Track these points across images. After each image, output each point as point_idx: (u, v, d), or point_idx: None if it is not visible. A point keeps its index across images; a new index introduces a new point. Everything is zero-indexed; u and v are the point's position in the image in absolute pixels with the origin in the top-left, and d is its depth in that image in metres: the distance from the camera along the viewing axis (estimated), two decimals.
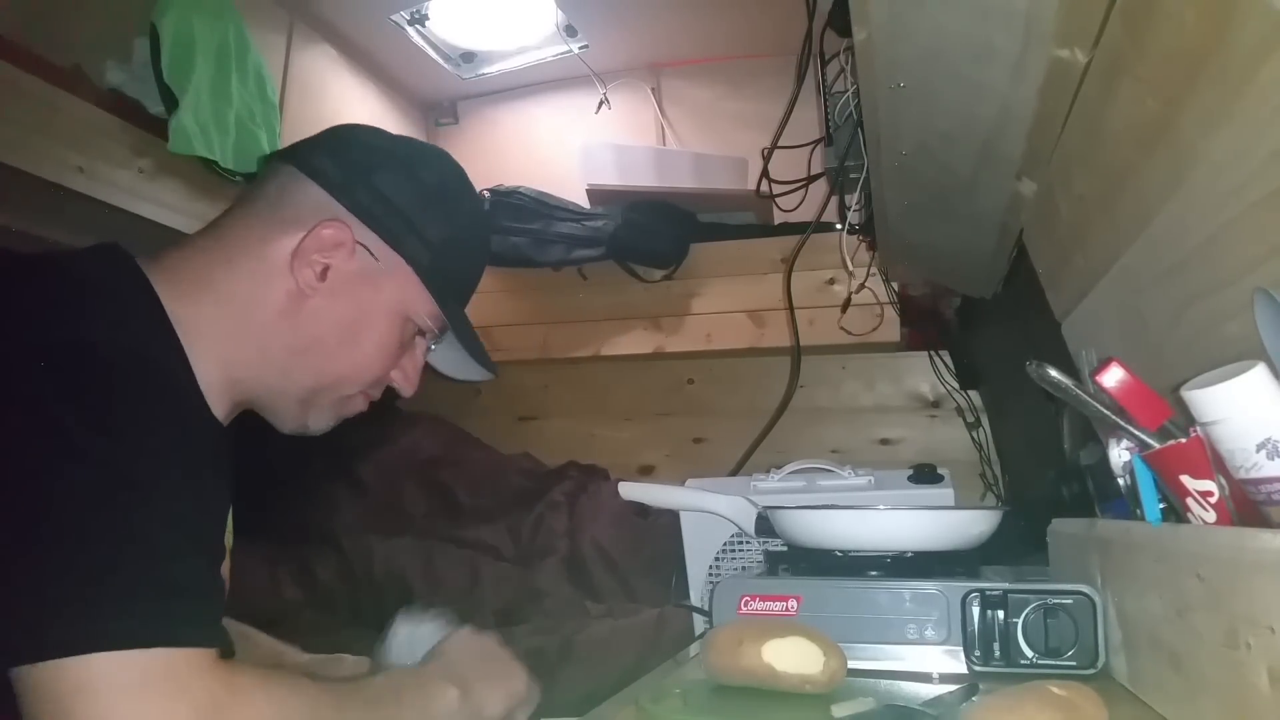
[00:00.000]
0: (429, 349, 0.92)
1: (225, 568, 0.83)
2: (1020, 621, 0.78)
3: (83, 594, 0.54)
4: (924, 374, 2.11)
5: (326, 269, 0.80)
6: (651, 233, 2.09)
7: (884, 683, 0.78)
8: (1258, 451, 0.52)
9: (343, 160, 0.85)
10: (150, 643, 0.54)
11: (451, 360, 0.94)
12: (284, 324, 0.80)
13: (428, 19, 2.19)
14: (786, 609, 0.85)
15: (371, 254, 0.82)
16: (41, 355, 0.62)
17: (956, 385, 2.02)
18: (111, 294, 0.73)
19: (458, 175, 0.91)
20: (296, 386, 0.83)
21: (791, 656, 0.71)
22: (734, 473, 2.01)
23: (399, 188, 0.84)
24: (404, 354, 0.89)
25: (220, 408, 0.81)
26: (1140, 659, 0.69)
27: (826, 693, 0.70)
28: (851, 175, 1.53)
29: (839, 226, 1.81)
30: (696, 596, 1.36)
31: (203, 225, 0.84)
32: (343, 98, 2.32)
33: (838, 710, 0.66)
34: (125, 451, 0.60)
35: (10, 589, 0.55)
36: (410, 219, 0.83)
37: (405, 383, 0.90)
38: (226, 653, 0.61)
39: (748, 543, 1.35)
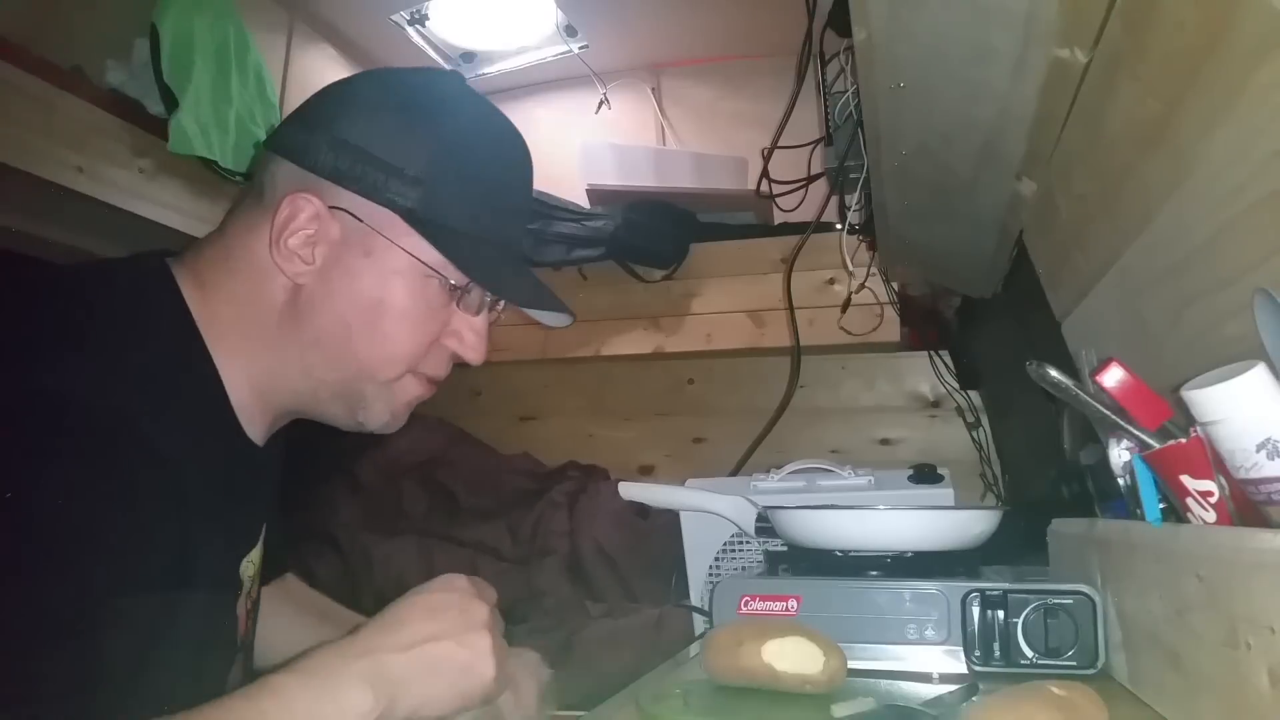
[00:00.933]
0: (489, 305, 0.78)
1: (242, 606, 0.78)
2: (1020, 621, 0.78)
3: None
4: (924, 374, 2.11)
5: (314, 250, 0.71)
6: (651, 232, 2.09)
7: (884, 683, 0.78)
8: (1258, 451, 0.52)
9: (303, 122, 0.74)
10: None
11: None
12: (289, 320, 0.72)
13: (427, 19, 2.19)
14: (786, 609, 0.85)
15: (354, 215, 0.71)
16: (12, 402, 0.57)
17: (956, 385, 2.02)
18: (129, 324, 0.67)
19: (442, 90, 0.76)
20: (324, 384, 0.75)
21: (791, 656, 0.71)
22: (734, 473, 2.01)
23: (363, 128, 0.71)
24: (448, 317, 0.76)
25: (257, 422, 0.75)
26: (1140, 659, 0.69)
27: (826, 693, 0.70)
28: (851, 175, 1.53)
29: (839, 226, 1.81)
30: (696, 596, 1.36)
31: (202, 225, 0.82)
32: None
33: (838, 710, 0.66)
34: (44, 519, 0.55)
35: None
36: (385, 161, 0.70)
37: (465, 349, 0.77)
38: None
39: (748, 543, 1.35)
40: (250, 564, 0.79)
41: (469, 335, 0.77)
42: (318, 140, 0.72)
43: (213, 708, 0.56)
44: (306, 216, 0.71)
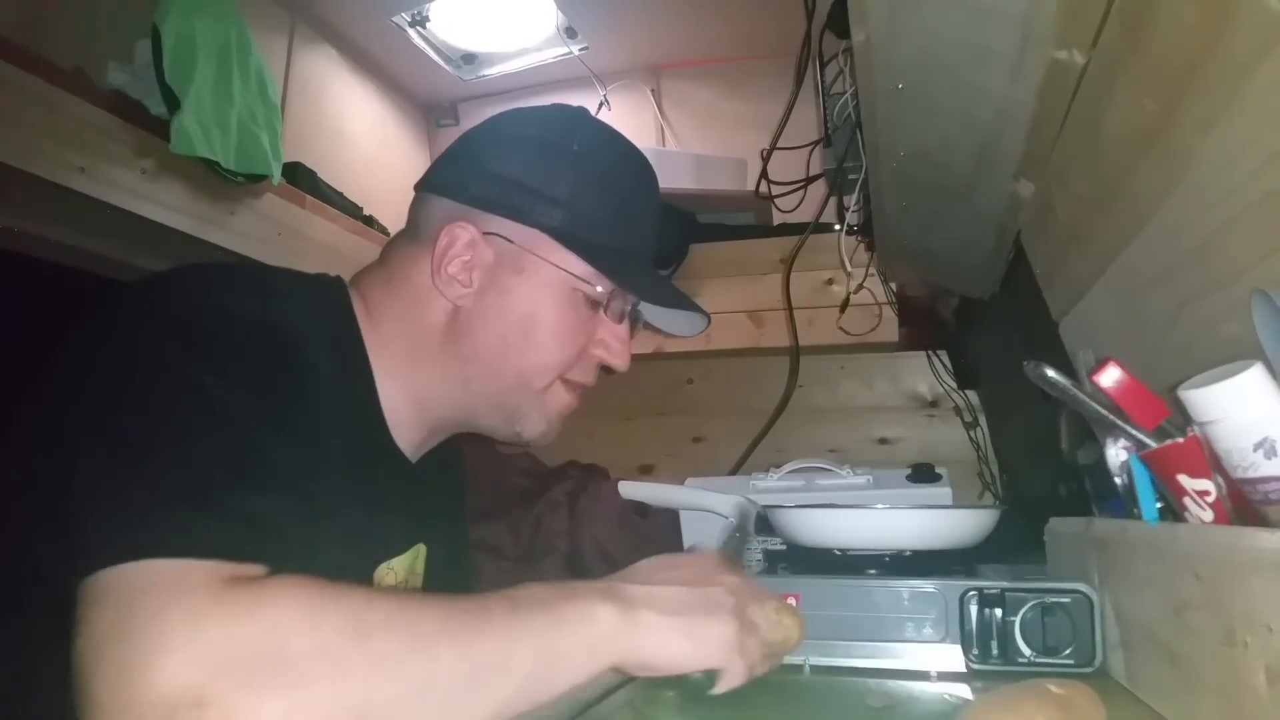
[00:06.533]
0: (628, 313, 0.84)
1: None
2: (1018, 620, 0.78)
3: (110, 513, 0.53)
4: (922, 374, 2.11)
5: (472, 274, 0.78)
6: None
7: (884, 682, 0.78)
8: (1255, 451, 0.53)
9: (453, 161, 0.83)
10: (150, 554, 0.50)
11: (669, 313, 0.87)
12: (449, 339, 0.79)
13: (428, 20, 2.19)
14: None
15: (506, 239, 0.78)
16: (190, 317, 0.62)
17: (954, 385, 2.03)
18: (315, 309, 0.73)
19: (572, 120, 0.84)
20: (482, 395, 0.81)
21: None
22: (733, 472, 2.01)
23: (509, 160, 0.79)
24: (594, 328, 0.83)
25: (410, 436, 0.81)
26: (1138, 657, 0.69)
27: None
28: (850, 176, 1.54)
29: (837, 227, 1.81)
30: None
31: (204, 226, 0.84)
32: (344, 99, 2.32)
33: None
34: (228, 392, 0.58)
35: (74, 509, 0.55)
36: (530, 186, 0.78)
37: (611, 356, 0.84)
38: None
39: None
40: (390, 571, 0.82)
41: (614, 343, 0.84)
42: (467, 175, 0.80)
43: (463, 597, 0.56)
44: (463, 244, 0.78)
